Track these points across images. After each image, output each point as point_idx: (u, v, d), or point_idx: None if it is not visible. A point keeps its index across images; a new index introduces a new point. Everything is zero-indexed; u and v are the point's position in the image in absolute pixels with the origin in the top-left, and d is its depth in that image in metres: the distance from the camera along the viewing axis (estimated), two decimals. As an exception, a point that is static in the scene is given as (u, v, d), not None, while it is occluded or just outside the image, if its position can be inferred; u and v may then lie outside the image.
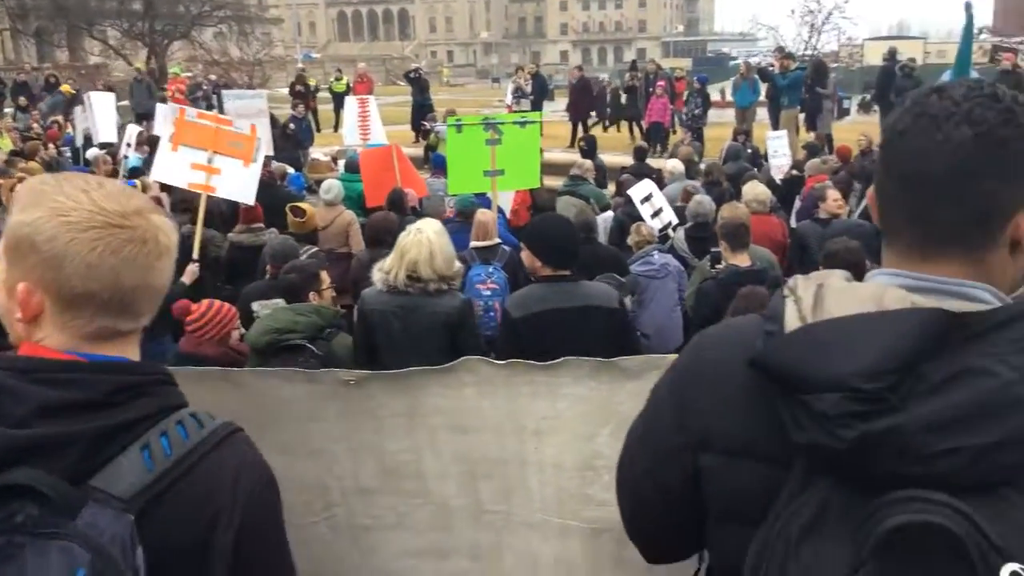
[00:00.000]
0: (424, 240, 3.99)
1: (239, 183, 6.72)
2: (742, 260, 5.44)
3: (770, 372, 1.02)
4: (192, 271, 5.99)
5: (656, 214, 7.62)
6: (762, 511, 1.01)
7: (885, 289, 1.02)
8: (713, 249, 5.86)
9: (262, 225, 6.88)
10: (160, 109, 12.43)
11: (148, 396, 1.17)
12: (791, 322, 1.03)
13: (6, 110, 20.70)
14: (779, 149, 10.93)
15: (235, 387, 1.64)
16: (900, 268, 1.07)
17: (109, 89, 16.74)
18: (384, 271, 4.04)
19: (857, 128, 16.14)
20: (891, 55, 17.14)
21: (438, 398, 1.78)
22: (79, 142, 13.37)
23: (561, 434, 1.74)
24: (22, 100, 20.98)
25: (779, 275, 6.29)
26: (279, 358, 3.82)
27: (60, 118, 17.30)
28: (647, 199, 7.74)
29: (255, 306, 4.82)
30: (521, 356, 3.65)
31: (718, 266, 5.62)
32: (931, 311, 0.96)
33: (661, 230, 7.53)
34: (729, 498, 1.09)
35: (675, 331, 6.23)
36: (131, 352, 1.23)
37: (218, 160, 6.64)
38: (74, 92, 20.07)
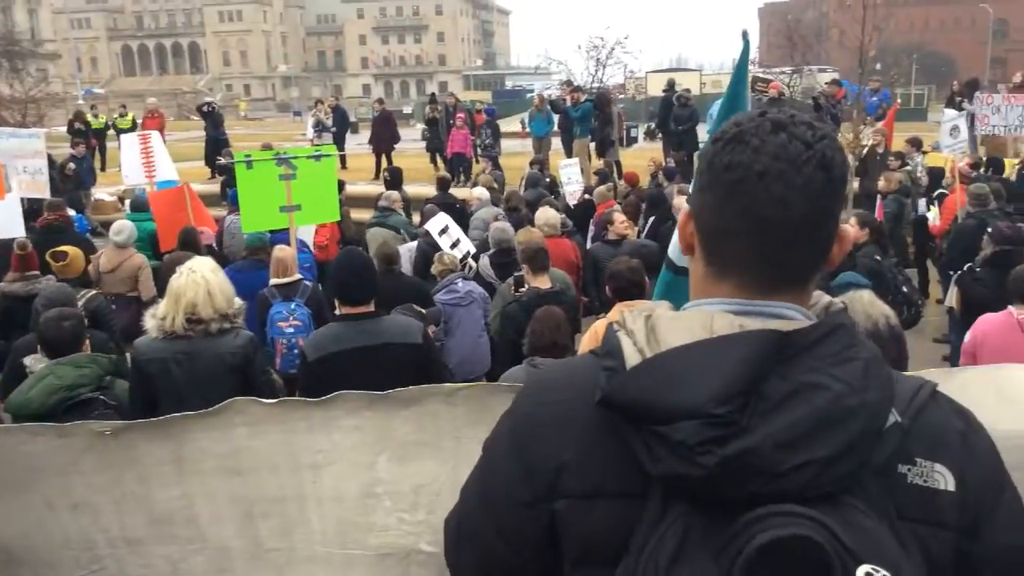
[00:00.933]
0: (200, 280, 3.82)
1: (1, 218, 6.18)
2: (543, 282, 5.65)
3: (621, 408, 1.02)
4: None
5: (455, 245, 7.76)
6: (619, 550, 1.01)
7: (712, 316, 1.05)
8: (516, 273, 6.05)
9: (37, 273, 6.35)
10: None
11: None
12: (630, 356, 1.04)
13: None
14: (572, 176, 11.44)
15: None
16: (735, 299, 1.09)
17: None
18: (159, 317, 3.82)
19: (644, 155, 17.22)
20: (670, 86, 18.40)
21: (206, 442, 1.73)
22: None
23: (339, 465, 1.73)
24: None
25: (576, 295, 6.59)
26: (72, 415, 3.53)
27: None
28: (444, 231, 7.87)
29: (28, 361, 4.43)
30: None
31: (521, 289, 5.81)
32: (763, 332, 1.01)
33: (461, 260, 7.68)
34: (586, 541, 1.07)
35: (483, 357, 6.34)
36: None
37: None
38: None
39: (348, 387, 3.54)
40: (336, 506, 1.72)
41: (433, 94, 23.43)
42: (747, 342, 1.00)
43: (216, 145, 18.36)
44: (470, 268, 7.23)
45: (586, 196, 10.59)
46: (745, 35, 4.28)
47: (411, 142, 21.63)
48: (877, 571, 0.90)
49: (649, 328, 1.06)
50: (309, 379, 3.81)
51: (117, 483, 1.70)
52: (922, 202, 10.43)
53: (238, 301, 4.02)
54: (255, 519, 1.74)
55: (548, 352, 4.12)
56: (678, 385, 0.98)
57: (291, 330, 5.60)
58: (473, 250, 7.80)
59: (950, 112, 13.77)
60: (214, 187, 15.82)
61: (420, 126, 22.83)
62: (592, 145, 16.81)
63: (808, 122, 1.08)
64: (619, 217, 7.50)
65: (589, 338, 4.61)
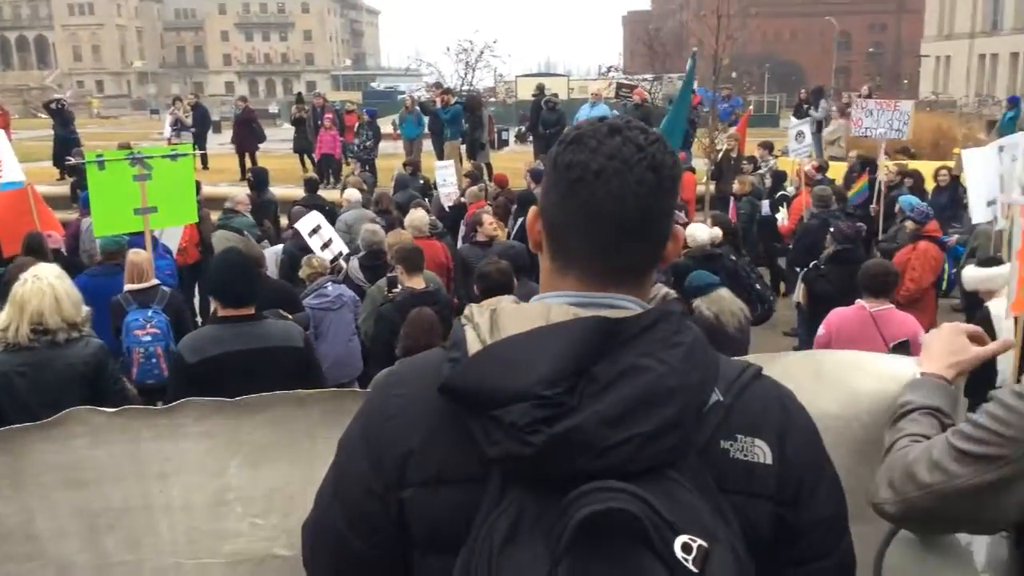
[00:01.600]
0: (46, 287, 3.64)
1: None
2: (417, 282, 5.66)
3: (458, 394, 1.06)
4: None
5: (326, 245, 7.63)
6: (463, 535, 1.04)
7: (550, 307, 1.12)
8: (389, 275, 6.02)
9: None
10: None
11: None
12: (473, 346, 1.09)
13: None
14: (447, 178, 11.46)
15: None
16: (583, 291, 1.16)
17: None
18: (0, 328, 3.61)
19: (515, 158, 17.46)
20: (539, 91, 18.73)
21: (46, 454, 1.66)
22: None
23: (188, 473, 1.69)
24: None
25: (448, 296, 6.62)
26: None
27: None
28: (315, 231, 7.73)
29: None
30: None
31: (395, 290, 5.79)
32: (592, 319, 1.08)
33: (332, 260, 7.56)
34: (432, 528, 1.10)
35: (354, 360, 6.28)
36: None
37: None
38: None
39: (228, 391, 3.43)
40: (186, 515, 1.68)
41: (299, 94, 22.94)
42: (576, 329, 1.07)
43: (66, 144, 17.24)
44: (340, 270, 7.13)
45: (462, 199, 10.64)
46: (693, 55, 4.44)
47: (278, 142, 21.09)
48: (694, 540, 0.96)
49: (493, 320, 1.11)
50: (184, 383, 3.65)
51: (-52, 501, 1.61)
52: (765, 203, 11.03)
53: (86, 309, 3.84)
54: (100, 532, 1.67)
55: (418, 352, 4.13)
56: (511, 370, 1.04)
57: (148, 338, 5.36)
58: (346, 250, 7.69)
59: (796, 119, 14.67)
60: (64, 188, 14.96)
61: (287, 126, 22.28)
62: (463, 148, 16.90)
63: (641, 127, 1.17)
64: (488, 219, 7.58)
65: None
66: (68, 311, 3.69)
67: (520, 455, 1.01)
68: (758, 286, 6.96)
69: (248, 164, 17.09)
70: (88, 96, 67.57)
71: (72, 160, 13.28)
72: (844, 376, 1.68)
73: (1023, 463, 1.33)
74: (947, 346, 1.65)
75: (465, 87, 24.25)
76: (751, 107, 18.02)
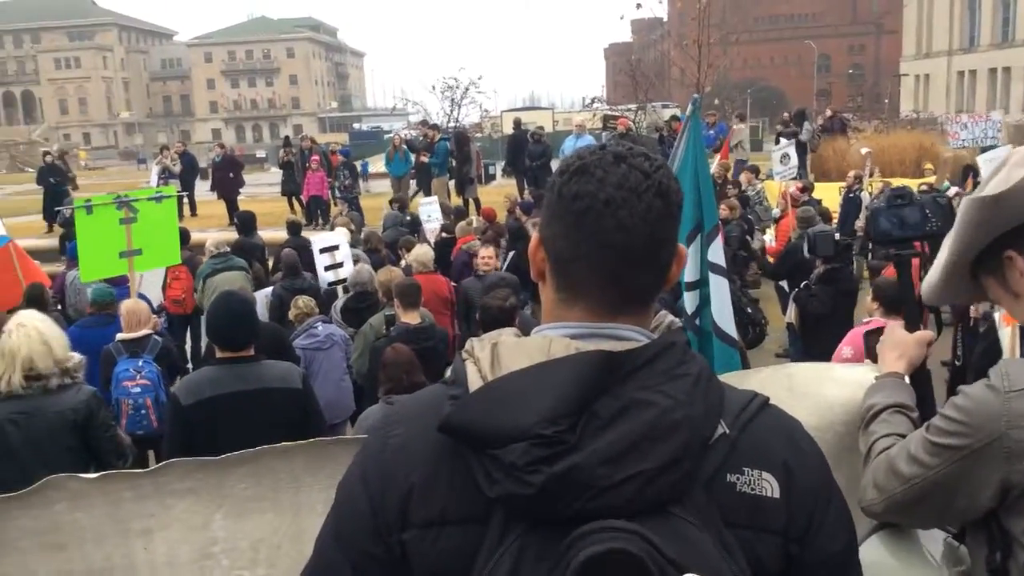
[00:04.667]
0: (33, 332, 3.63)
1: None
2: (412, 318, 5.65)
3: (458, 433, 1.04)
4: None
5: (332, 267, 7.59)
6: (465, 575, 1.02)
7: (551, 340, 1.09)
8: (387, 312, 6.00)
9: None
10: None
11: None
12: (474, 382, 1.06)
13: None
14: (432, 214, 11.51)
15: None
16: (588, 322, 1.13)
17: None
18: None
19: (503, 191, 17.52)
20: (517, 124, 18.98)
21: (22, 519, 1.62)
22: None
23: (172, 528, 1.65)
24: None
25: (445, 330, 6.60)
26: None
27: None
28: (331, 249, 7.68)
29: None
30: (192, 446, 3.48)
31: (392, 327, 5.77)
32: (592, 353, 1.04)
33: (331, 283, 7.51)
34: (434, 569, 1.07)
35: (346, 400, 6.23)
36: None
37: None
38: None
39: (225, 432, 3.43)
40: (170, 570, 1.63)
41: (287, 137, 23.02)
42: (576, 363, 1.03)
43: (57, 197, 17.35)
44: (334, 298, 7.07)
45: (443, 234, 10.65)
46: (696, 101, 4.49)
47: (266, 186, 21.15)
48: None
49: (494, 355, 1.08)
50: (180, 426, 3.65)
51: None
52: (767, 236, 11.09)
53: (76, 355, 3.81)
54: (79, 593, 1.63)
55: (403, 391, 4.10)
56: (510, 408, 1.01)
57: (137, 389, 5.31)
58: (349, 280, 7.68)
59: (785, 140, 14.78)
60: (51, 241, 14.93)
61: (274, 169, 22.35)
62: (451, 183, 16.97)
63: (644, 153, 1.15)
64: (485, 252, 7.60)
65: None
66: (59, 354, 3.68)
67: (520, 495, 0.99)
68: (749, 310, 6.97)
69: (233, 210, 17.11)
70: (75, 148, 67.85)
71: (63, 208, 13.31)
72: (815, 388, 1.75)
73: (985, 451, 1.41)
74: (893, 346, 1.79)
75: (451, 123, 24.40)
76: (733, 131, 18.12)
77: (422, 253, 7.68)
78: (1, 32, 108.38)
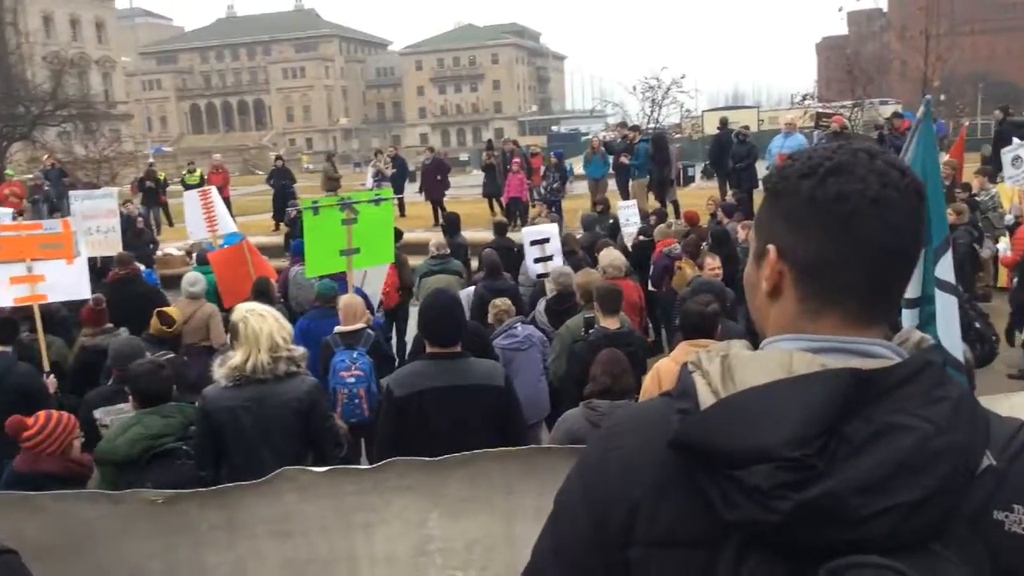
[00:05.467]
0: (268, 317, 3.92)
1: (68, 282, 6.49)
2: (612, 323, 5.63)
3: (693, 451, 0.98)
4: (52, 383, 5.66)
5: (542, 260, 7.72)
6: None
7: (791, 354, 1.02)
8: (586, 315, 6.02)
9: (111, 326, 6.56)
10: None
11: None
12: (705, 397, 1.01)
13: None
14: (630, 217, 11.40)
15: (33, 512, 1.53)
16: (834, 335, 1.05)
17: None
18: (232, 367, 3.86)
19: (702, 194, 17.10)
20: (723, 124, 18.38)
21: (258, 507, 1.73)
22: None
23: (391, 524, 1.70)
24: None
25: (643, 337, 6.51)
26: (156, 465, 3.62)
27: None
28: (542, 242, 7.83)
29: (98, 414, 4.53)
30: (403, 436, 3.67)
31: (591, 330, 5.78)
32: (842, 371, 0.97)
33: (539, 275, 7.64)
34: None
35: (542, 401, 6.29)
36: None
37: (38, 266, 6.38)
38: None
39: (432, 424, 3.58)
40: (388, 566, 1.69)
41: (490, 140, 23.69)
42: (825, 382, 0.96)
43: (284, 197, 18.90)
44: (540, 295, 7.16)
45: (641, 237, 10.50)
46: (928, 103, 4.26)
47: (467, 188, 21.89)
48: None
49: (725, 368, 1.02)
50: (392, 415, 3.84)
51: (171, 549, 1.71)
52: (1001, 244, 10.09)
53: (300, 348, 4.08)
54: (307, 581, 1.72)
55: (609, 396, 4.06)
56: (753, 427, 0.95)
57: (352, 379, 5.64)
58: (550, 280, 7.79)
59: (1018, 140, 13.37)
60: (277, 239, 16.24)
61: (476, 172, 23.09)
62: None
63: (886, 151, 1.08)
64: (710, 261, 7.48)
65: (652, 378, 4.54)
66: (289, 335, 3.96)
67: (763, 521, 0.92)
68: (978, 324, 6.34)
69: (439, 211, 17.83)
70: (299, 153, 73.63)
71: (291, 208, 14.49)
72: None
73: None
74: None
75: (651, 125, 24.15)
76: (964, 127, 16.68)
77: (615, 257, 7.62)
78: (238, 45, 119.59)
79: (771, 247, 1.10)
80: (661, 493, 1.03)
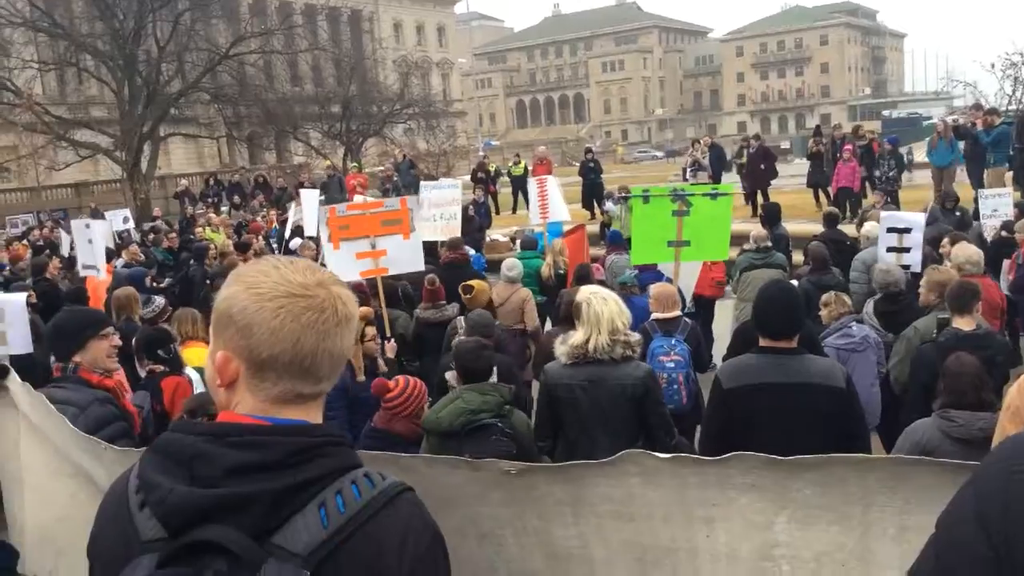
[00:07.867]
0: (611, 300, 4.04)
1: (406, 256, 7.19)
2: (966, 324, 5.06)
3: None
4: (392, 347, 6.31)
5: (896, 250, 7.18)
6: None
7: None
8: (940, 315, 5.43)
9: (444, 302, 7.15)
10: (305, 195, 13.46)
11: (325, 457, 1.22)
12: None
13: (222, 208, 22.84)
14: (999, 208, 10.03)
15: (404, 472, 1.66)
16: None
17: (312, 185, 18.08)
18: (573, 345, 4.01)
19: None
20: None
21: (602, 487, 1.73)
22: (287, 234, 14.46)
23: (733, 521, 1.61)
24: (236, 199, 23.19)
25: (1006, 341, 5.72)
26: (473, 438, 3.86)
27: (268, 213, 18.95)
28: (902, 231, 7.31)
29: (448, 376, 4.92)
30: (729, 428, 3.58)
31: (942, 332, 5.22)
32: None
33: (905, 267, 7.09)
34: None
35: (873, 408, 5.78)
36: (313, 415, 1.29)
37: (381, 242, 7.11)
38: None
39: (760, 422, 3.44)
40: (730, 564, 1.61)
41: (818, 127, 22.30)
42: None
43: (593, 189, 19.36)
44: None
45: (1003, 232, 9.23)
46: None
47: (788, 178, 20.80)
48: None
49: None
50: (719, 406, 3.75)
51: (519, 518, 1.78)
52: None
53: (636, 334, 4.15)
54: (646, 566, 1.70)
55: (967, 407, 3.61)
56: None
57: (671, 364, 5.62)
58: (917, 269, 7.17)
59: None
60: (592, 227, 16.67)
61: (797, 161, 21.88)
62: (1008, 174, 14.74)
63: None
64: None
65: (1017, 390, 3.95)
66: (628, 326, 4.04)
67: None
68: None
69: (760, 201, 17.12)
70: (614, 144, 75.13)
71: (614, 198, 14.95)
72: None
73: None
74: None
75: (1012, 106, 21.24)
76: None
77: (972, 252, 6.77)
78: (561, 42, 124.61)
79: None
80: None
